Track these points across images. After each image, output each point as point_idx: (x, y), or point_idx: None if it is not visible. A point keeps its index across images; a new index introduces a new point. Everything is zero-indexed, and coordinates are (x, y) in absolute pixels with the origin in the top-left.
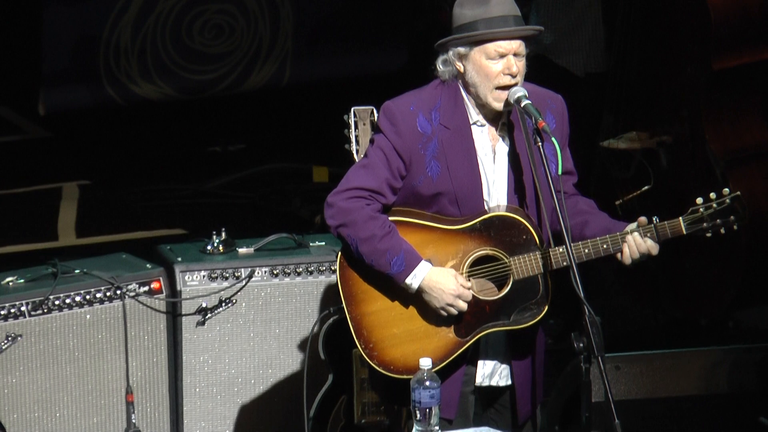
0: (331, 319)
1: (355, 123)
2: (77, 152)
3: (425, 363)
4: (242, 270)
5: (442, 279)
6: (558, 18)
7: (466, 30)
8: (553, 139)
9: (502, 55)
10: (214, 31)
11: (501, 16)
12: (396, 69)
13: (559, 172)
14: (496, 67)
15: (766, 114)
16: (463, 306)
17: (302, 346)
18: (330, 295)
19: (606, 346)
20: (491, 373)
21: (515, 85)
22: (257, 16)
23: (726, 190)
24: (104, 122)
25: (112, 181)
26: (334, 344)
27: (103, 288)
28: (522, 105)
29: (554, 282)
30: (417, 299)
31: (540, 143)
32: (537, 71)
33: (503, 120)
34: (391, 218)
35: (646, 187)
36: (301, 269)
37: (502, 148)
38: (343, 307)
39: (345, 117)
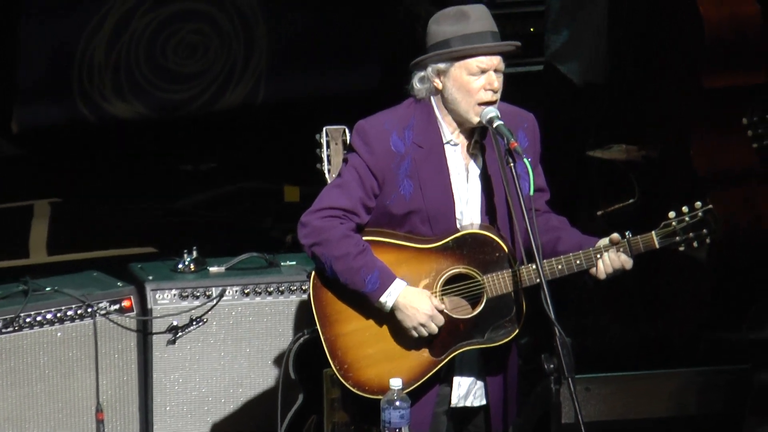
0: (302, 339)
1: (327, 142)
2: (49, 170)
3: (395, 383)
4: (213, 289)
5: (416, 299)
6: (563, 25)
7: (445, 46)
8: (525, 159)
9: (483, 71)
10: (188, 50)
11: (480, 33)
12: (368, 88)
13: (531, 192)
14: (478, 83)
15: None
16: (435, 328)
17: (273, 365)
18: (301, 315)
19: (578, 365)
20: (466, 393)
21: (496, 101)
22: (231, 35)
23: (698, 204)
24: (76, 140)
25: (84, 200)
26: (304, 364)
27: (74, 306)
28: (494, 126)
29: (528, 300)
30: (391, 319)
31: (512, 163)
32: (544, 78)
33: (476, 138)
34: (364, 237)
35: (630, 201)
36: (272, 289)
37: (475, 167)
38: (316, 328)
39: (317, 136)
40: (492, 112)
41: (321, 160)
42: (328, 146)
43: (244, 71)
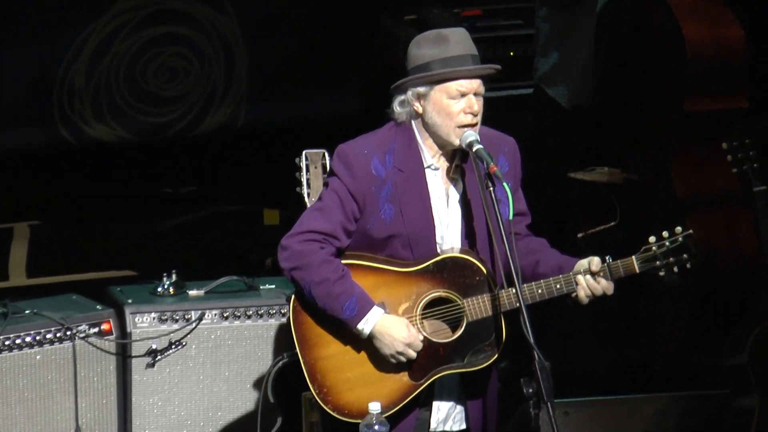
0: (281, 363)
1: (307, 166)
2: (28, 193)
3: (374, 407)
4: (192, 312)
5: (394, 326)
6: (552, 48)
7: (425, 70)
8: (504, 184)
9: (463, 94)
10: (169, 74)
11: (460, 56)
12: (348, 112)
13: (510, 216)
14: (457, 106)
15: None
16: (413, 354)
17: (252, 388)
18: (281, 338)
19: (558, 388)
20: (446, 417)
21: (477, 124)
22: (212, 59)
23: (678, 229)
24: (56, 163)
25: (64, 223)
26: (283, 387)
27: (53, 329)
28: (474, 149)
29: (507, 324)
30: (370, 343)
31: (492, 187)
32: (533, 100)
33: (456, 162)
34: (344, 261)
35: (612, 223)
36: (251, 312)
37: (455, 191)
38: (296, 352)
39: (296, 160)
40: (471, 136)
41: (300, 184)
42: (307, 170)
43: (225, 95)
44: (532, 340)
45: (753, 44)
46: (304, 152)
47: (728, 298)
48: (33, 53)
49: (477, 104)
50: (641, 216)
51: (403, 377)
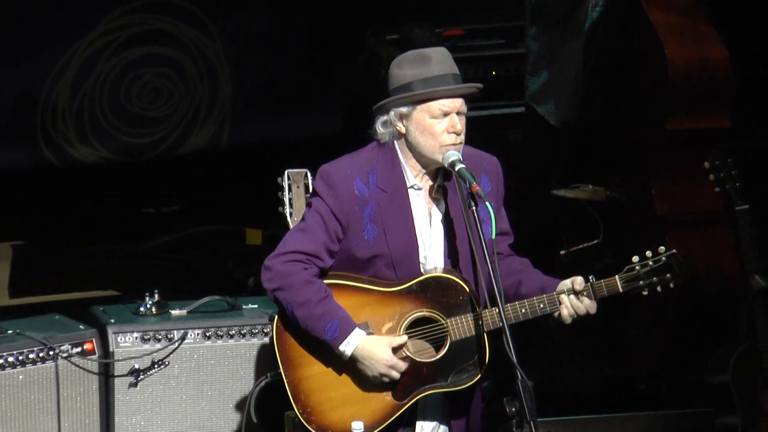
0: (264, 382)
1: (289, 186)
2: (10, 213)
3: (357, 426)
4: (175, 332)
5: (375, 348)
6: (542, 67)
7: (407, 90)
8: (487, 203)
9: (446, 114)
10: (153, 95)
11: (441, 75)
12: (331, 132)
13: (493, 236)
14: (440, 125)
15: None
16: (396, 376)
17: (235, 408)
18: (263, 358)
19: (541, 407)
20: None
21: (461, 143)
22: (196, 80)
23: (662, 248)
24: (39, 183)
25: (46, 242)
26: (266, 407)
27: (35, 349)
28: (456, 169)
29: (491, 343)
30: (353, 363)
31: (474, 207)
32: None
33: (439, 182)
34: (327, 281)
35: (594, 241)
36: (233, 332)
37: (438, 211)
38: (279, 372)
39: (279, 180)
40: (454, 155)
41: (283, 203)
42: (290, 189)
43: (208, 115)
44: (514, 360)
45: (735, 63)
46: (286, 172)
47: (709, 317)
48: (16, 73)
49: (460, 123)
50: (624, 234)
51: (387, 397)
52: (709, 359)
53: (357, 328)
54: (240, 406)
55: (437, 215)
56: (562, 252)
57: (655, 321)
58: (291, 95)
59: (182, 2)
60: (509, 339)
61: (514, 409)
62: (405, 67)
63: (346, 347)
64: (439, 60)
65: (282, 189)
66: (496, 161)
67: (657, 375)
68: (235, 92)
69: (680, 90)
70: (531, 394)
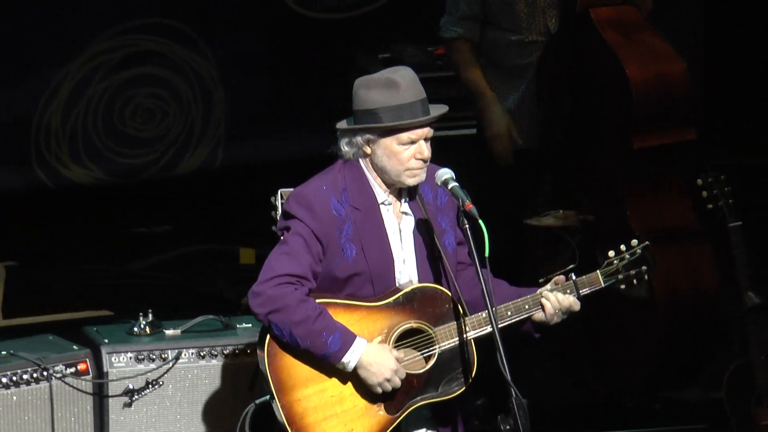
0: (255, 405)
1: (282, 205)
2: (3, 233)
3: None
4: (169, 352)
5: (379, 355)
6: (506, 95)
7: (375, 117)
8: (480, 221)
9: (414, 142)
10: (146, 115)
11: (410, 104)
12: (323, 152)
13: (486, 253)
14: (408, 152)
15: (688, 194)
16: (398, 383)
17: (228, 428)
18: (258, 377)
19: (533, 425)
20: None
21: (425, 167)
22: (189, 100)
23: (635, 241)
24: (32, 203)
25: (39, 263)
26: (260, 427)
27: (29, 369)
28: (449, 187)
29: (479, 349)
30: (347, 380)
31: (467, 225)
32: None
33: (404, 198)
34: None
35: (571, 266)
36: (228, 351)
37: (406, 225)
38: (269, 397)
39: (272, 199)
40: (447, 173)
41: (275, 222)
42: None
43: (202, 136)
44: (508, 377)
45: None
46: (279, 191)
47: (693, 333)
48: (8, 95)
49: (427, 150)
50: (600, 257)
51: (380, 412)
52: (702, 376)
53: (358, 338)
54: (235, 425)
55: (406, 229)
56: (541, 280)
57: (641, 340)
58: (284, 115)
59: (174, 22)
60: (503, 356)
61: (508, 427)
62: (373, 91)
63: (350, 357)
64: (408, 86)
65: (275, 208)
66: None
67: (645, 393)
68: (229, 112)
69: (644, 108)
70: (525, 412)
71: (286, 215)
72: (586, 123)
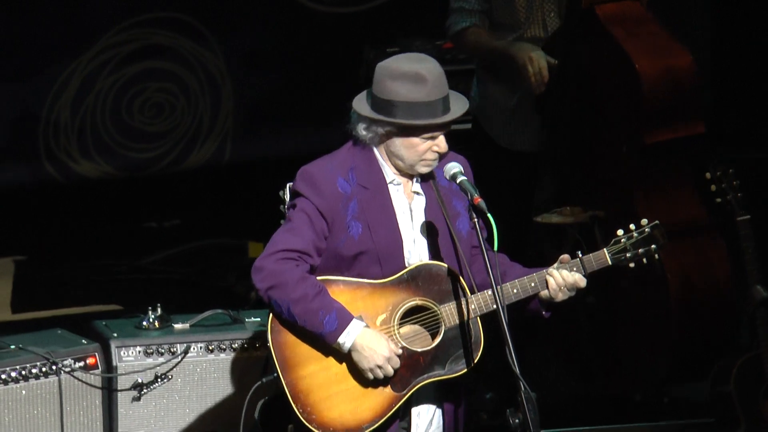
0: (262, 383)
1: None
2: (13, 228)
3: None
4: (178, 345)
5: (374, 341)
6: (500, 103)
7: (398, 111)
8: (488, 215)
9: (433, 137)
10: (155, 110)
11: (433, 102)
12: (331, 146)
13: (495, 248)
14: (425, 145)
15: (698, 189)
16: (391, 371)
17: (238, 422)
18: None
19: (541, 420)
20: (425, 426)
21: (438, 158)
22: (198, 94)
23: (644, 221)
24: (41, 198)
25: (48, 257)
26: (269, 420)
27: (38, 363)
28: (458, 181)
29: (485, 327)
30: (350, 358)
31: (476, 219)
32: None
33: (416, 178)
34: (318, 278)
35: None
36: (236, 345)
37: (418, 205)
38: (275, 375)
39: (280, 193)
40: (455, 167)
41: (284, 217)
42: None
43: (211, 130)
44: (517, 371)
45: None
46: (287, 185)
47: (707, 328)
48: (17, 91)
49: (443, 142)
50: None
51: (385, 389)
52: (711, 370)
53: (355, 319)
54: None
55: (417, 210)
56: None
57: (655, 336)
58: (292, 109)
59: (182, 16)
60: (512, 351)
61: (517, 421)
62: (398, 83)
63: (346, 338)
64: (434, 83)
65: (283, 202)
66: (464, 160)
67: (655, 388)
68: (237, 106)
69: (655, 103)
70: (534, 406)
71: (293, 194)
72: (594, 121)
